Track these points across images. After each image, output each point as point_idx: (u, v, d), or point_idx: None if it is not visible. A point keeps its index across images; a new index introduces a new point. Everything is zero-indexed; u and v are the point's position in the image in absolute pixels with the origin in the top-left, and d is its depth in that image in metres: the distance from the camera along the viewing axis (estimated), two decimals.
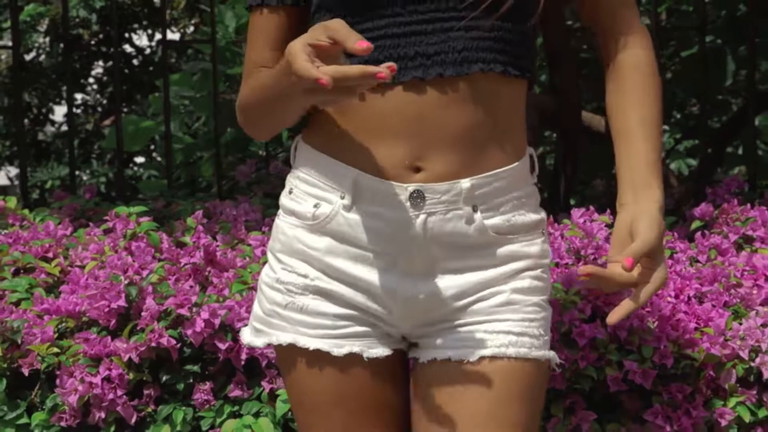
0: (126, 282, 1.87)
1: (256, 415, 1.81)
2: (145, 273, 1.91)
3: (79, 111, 8.93)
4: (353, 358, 1.28)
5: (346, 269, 1.27)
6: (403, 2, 1.23)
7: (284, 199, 1.34)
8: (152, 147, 7.80)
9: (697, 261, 2.16)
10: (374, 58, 1.21)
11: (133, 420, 1.81)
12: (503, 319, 1.27)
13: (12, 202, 2.56)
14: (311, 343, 1.28)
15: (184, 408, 1.83)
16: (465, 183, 1.25)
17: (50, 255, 2.17)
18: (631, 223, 1.27)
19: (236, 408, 1.83)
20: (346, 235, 1.27)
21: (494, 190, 1.27)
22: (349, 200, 1.26)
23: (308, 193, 1.29)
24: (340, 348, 1.28)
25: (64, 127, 8.79)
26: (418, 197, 1.24)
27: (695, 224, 2.39)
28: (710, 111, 4.34)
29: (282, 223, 1.33)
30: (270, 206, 2.68)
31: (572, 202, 3.43)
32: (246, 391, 1.83)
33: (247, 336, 1.37)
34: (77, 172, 8.04)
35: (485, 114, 1.25)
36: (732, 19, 3.94)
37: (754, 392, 1.81)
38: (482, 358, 1.25)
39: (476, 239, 1.27)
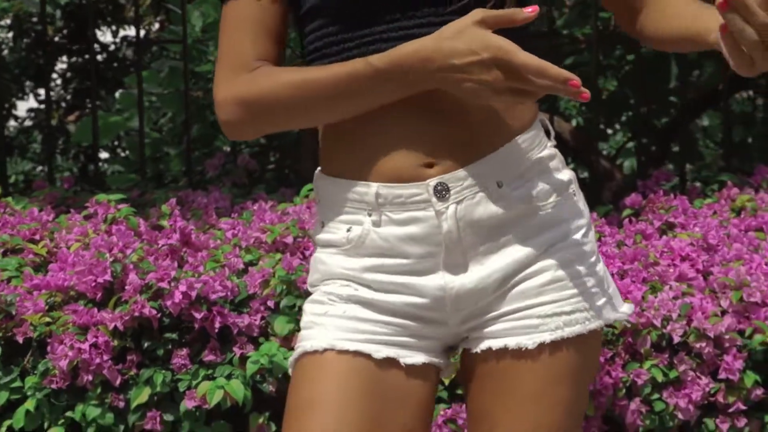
0: (111, 259, 2.08)
1: (229, 377, 2.02)
2: (128, 251, 2.12)
3: (42, 106, 9.02)
4: (390, 362, 1.23)
5: (391, 280, 1.24)
6: (401, 7, 1.21)
7: (318, 235, 1.30)
8: (116, 143, 7.93)
9: (625, 244, 2.40)
10: None
11: (118, 382, 2.02)
12: (553, 300, 1.24)
13: None
14: (351, 346, 1.22)
15: (163, 371, 2.03)
16: (485, 164, 1.23)
17: (37, 237, 2.37)
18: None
19: (210, 371, 2.04)
20: (384, 250, 1.24)
21: (513, 161, 1.25)
22: (377, 216, 1.24)
23: (338, 221, 1.26)
24: (378, 352, 1.23)
25: (28, 123, 8.86)
26: (442, 189, 1.22)
27: (626, 212, 2.64)
28: (655, 112, 4.60)
29: (320, 255, 1.29)
30: (237, 195, 2.88)
31: None
32: (219, 356, 2.05)
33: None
34: (41, 168, 8.17)
35: None
36: None
37: (666, 356, 2.06)
38: (541, 345, 1.22)
39: (508, 214, 1.24)
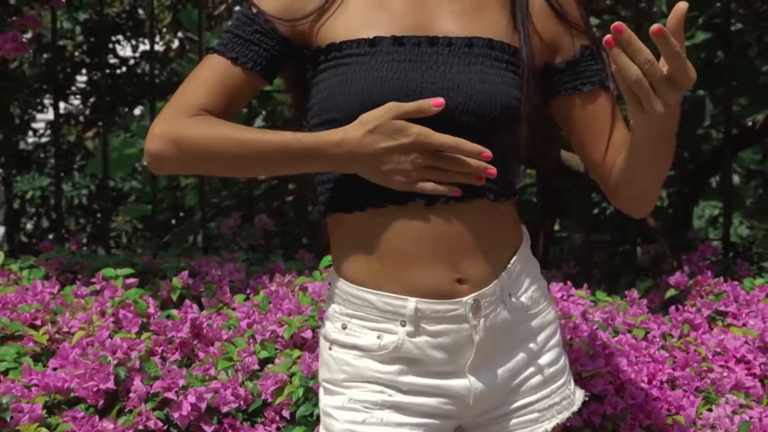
0: (115, 363, 1.91)
1: None
2: (133, 354, 1.95)
3: (61, 121, 8.91)
4: None
5: (420, 383, 1.36)
6: None
7: (338, 335, 1.38)
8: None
9: (671, 335, 2.21)
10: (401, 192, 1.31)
11: None
12: (548, 395, 1.43)
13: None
14: None
15: None
16: (503, 279, 1.38)
17: (38, 322, 2.20)
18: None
19: None
20: (417, 357, 1.35)
21: (516, 274, 1.40)
22: (412, 327, 1.34)
23: (366, 327, 1.36)
24: None
25: (45, 139, 8.74)
26: (476, 306, 1.35)
27: (670, 292, 2.45)
28: (689, 153, 4.41)
29: (343, 356, 1.38)
30: (254, 263, 2.71)
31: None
32: None
33: None
34: (53, 187, 8.02)
35: (493, 220, 1.38)
36: (709, 64, 4.01)
37: None
38: None
39: (515, 321, 1.40)
